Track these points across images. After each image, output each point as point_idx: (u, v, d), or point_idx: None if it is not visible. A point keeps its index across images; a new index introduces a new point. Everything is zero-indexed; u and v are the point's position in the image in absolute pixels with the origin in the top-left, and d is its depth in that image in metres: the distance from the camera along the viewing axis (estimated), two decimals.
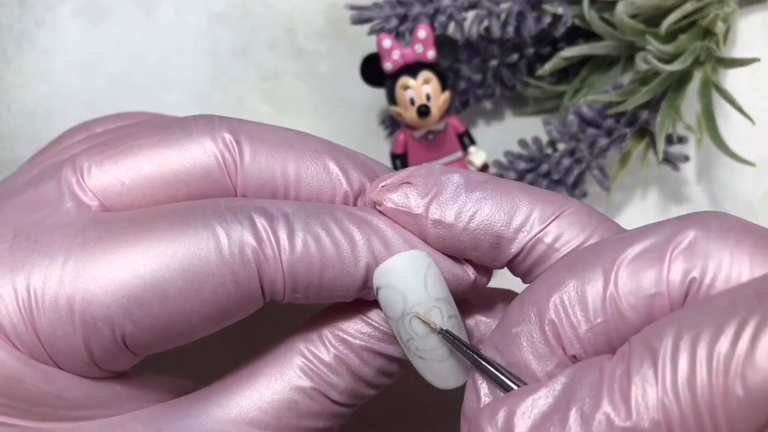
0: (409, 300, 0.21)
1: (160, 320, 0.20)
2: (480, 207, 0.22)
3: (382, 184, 0.23)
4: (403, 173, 0.23)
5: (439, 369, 0.22)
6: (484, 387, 0.21)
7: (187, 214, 0.21)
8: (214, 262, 0.20)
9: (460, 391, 0.23)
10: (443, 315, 0.22)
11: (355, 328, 0.23)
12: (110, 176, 0.22)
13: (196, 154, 0.22)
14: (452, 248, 0.22)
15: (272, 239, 0.21)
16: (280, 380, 0.22)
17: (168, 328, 0.21)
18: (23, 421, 0.21)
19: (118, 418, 0.22)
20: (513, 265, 0.22)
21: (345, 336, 0.22)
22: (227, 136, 0.22)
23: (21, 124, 0.36)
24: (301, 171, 0.23)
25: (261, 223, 0.21)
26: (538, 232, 0.22)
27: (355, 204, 0.23)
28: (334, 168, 0.23)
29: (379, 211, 0.23)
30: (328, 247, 0.21)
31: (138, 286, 0.20)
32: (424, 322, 0.22)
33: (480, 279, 0.23)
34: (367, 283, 0.22)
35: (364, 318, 0.23)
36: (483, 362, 0.21)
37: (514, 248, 0.22)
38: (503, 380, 0.20)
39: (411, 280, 0.21)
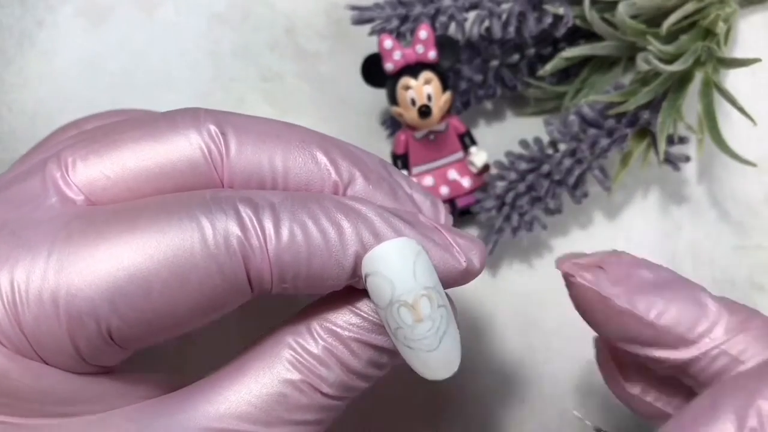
0: (397, 288, 0.21)
1: (146, 313, 0.20)
2: (668, 306, 0.22)
3: (575, 261, 0.23)
4: (595, 257, 0.23)
5: (427, 359, 0.22)
6: None
7: (172, 206, 0.21)
8: (199, 253, 0.20)
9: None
10: (432, 304, 0.22)
11: (343, 320, 0.22)
12: (95, 170, 0.22)
13: (181, 147, 0.22)
14: (631, 338, 0.23)
15: (258, 229, 0.21)
16: (269, 374, 0.22)
17: (154, 321, 0.21)
18: (9, 417, 0.21)
19: (106, 414, 0.22)
20: (691, 368, 0.22)
21: (334, 327, 0.22)
22: (212, 128, 0.22)
23: (22, 124, 0.36)
24: (288, 162, 0.22)
25: (246, 213, 0.21)
26: (723, 342, 0.22)
27: (344, 194, 0.23)
28: (322, 158, 0.23)
29: (576, 279, 0.23)
30: (315, 235, 0.21)
31: (122, 279, 0.20)
32: (414, 312, 0.22)
33: (472, 267, 0.23)
34: (356, 271, 0.22)
35: (353, 309, 0.22)
36: None
37: (695, 352, 0.22)
38: None
39: (399, 268, 0.21)
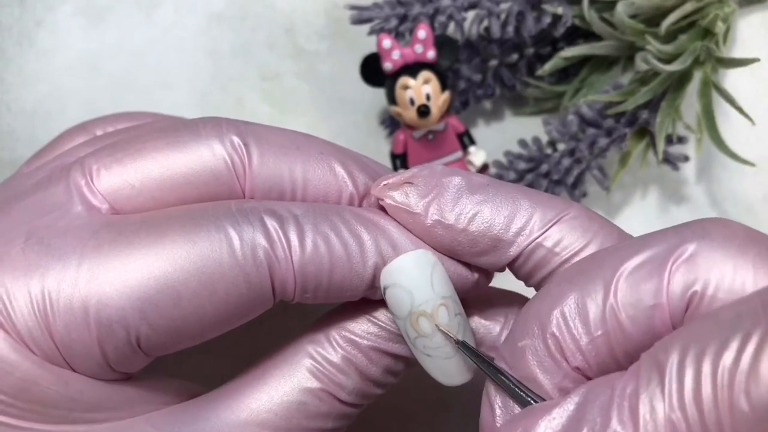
0: (416, 298, 0.22)
1: (174, 321, 0.21)
2: (480, 209, 0.22)
3: (385, 182, 0.23)
4: (407, 173, 0.23)
5: (446, 366, 0.23)
6: (497, 400, 0.21)
7: (199, 217, 0.21)
8: (227, 264, 0.21)
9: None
10: (450, 313, 0.22)
11: (362, 329, 0.23)
12: (119, 179, 0.22)
13: (205, 157, 0.22)
14: (449, 249, 0.22)
15: (283, 240, 0.21)
16: (289, 382, 0.22)
17: (181, 329, 0.21)
18: (38, 424, 0.21)
19: (130, 420, 0.22)
20: (514, 268, 0.22)
21: (352, 336, 0.23)
22: (235, 139, 0.22)
23: (21, 123, 0.36)
24: (308, 173, 0.23)
25: (272, 224, 0.21)
26: (538, 236, 0.22)
27: (360, 205, 0.23)
28: (339, 170, 0.23)
29: (384, 210, 0.23)
30: (337, 247, 0.21)
31: (153, 288, 0.20)
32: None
33: (482, 278, 0.23)
34: (374, 282, 0.22)
35: (371, 318, 0.23)
36: (497, 374, 0.21)
37: (513, 251, 0.22)
38: (517, 393, 0.20)
39: (418, 279, 0.22)
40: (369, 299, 0.23)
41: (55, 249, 0.21)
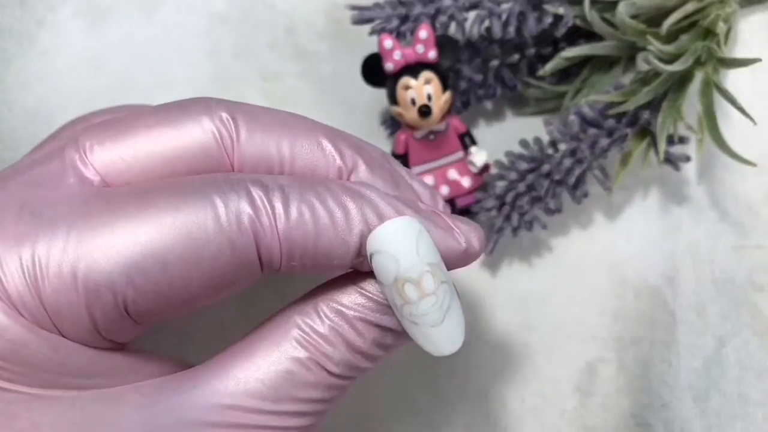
0: (401, 264, 0.22)
1: (161, 286, 0.21)
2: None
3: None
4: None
5: (432, 334, 0.23)
6: None
7: (186, 186, 0.22)
8: (212, 230, 0.21)
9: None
10: (435, 280, 0.22)
11: (349, 300, 0.23)
12: (112, 154, 0.23)
13: (194, 132, 0.23)
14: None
15: (268, 208, 0.22)
16: (277, 351, 0.23)
17: (168, 295, 0.21)
18: (27, 387, 0.21)
19: (119, 388, 0.23)
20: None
21: (339, 307, 0.23)
22: (224, 115, 0.23)
23: (22, 124, 0.36)
24: (295, 148, 0.23)
25: (257, 193, 0.22)
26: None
27: (348, 179, 0.24)
28: (327, 145, 0.24)
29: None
30: (322, 215, 0.22)
31: (139, 254, 0.21)
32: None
33: (471, 248, 0.24)
34: (361, 251, 0.22)
35: (359, 289, 0.23)
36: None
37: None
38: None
39: (403, 245, 0.22)
40: (359, 272, 0.23)
41: (46, 218, 0.21)
